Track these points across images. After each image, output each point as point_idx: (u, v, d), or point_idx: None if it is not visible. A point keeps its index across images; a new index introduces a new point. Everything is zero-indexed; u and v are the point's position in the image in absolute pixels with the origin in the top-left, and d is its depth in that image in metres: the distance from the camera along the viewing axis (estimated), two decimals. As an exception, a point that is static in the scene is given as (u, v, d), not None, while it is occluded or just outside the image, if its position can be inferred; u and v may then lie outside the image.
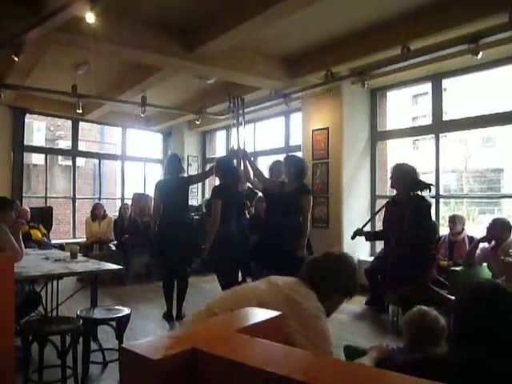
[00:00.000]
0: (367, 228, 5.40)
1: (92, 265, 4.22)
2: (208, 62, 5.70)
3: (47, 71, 6.58)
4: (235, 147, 5.29)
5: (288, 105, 6.94)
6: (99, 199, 9.68)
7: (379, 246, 6.92)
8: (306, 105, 7.26)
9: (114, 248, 7.62)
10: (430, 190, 4.37)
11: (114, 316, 3.58)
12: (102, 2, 3.67)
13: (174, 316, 5.29)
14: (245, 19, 4.74)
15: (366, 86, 5.95)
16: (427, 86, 6.54)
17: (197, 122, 8.27)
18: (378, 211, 5.46)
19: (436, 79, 6.27)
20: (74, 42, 4.89)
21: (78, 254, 4.68)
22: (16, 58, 4.64)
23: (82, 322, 3.38)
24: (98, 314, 3.70)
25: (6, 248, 4.02)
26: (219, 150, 10.56)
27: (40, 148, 10.65)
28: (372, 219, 5.89)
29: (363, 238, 4.98)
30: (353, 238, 4.82)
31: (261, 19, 4.70)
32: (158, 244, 5.50)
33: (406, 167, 4.44)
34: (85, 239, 8.28)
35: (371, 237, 5.35)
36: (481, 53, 4.77)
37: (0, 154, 8.04)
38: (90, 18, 3.69)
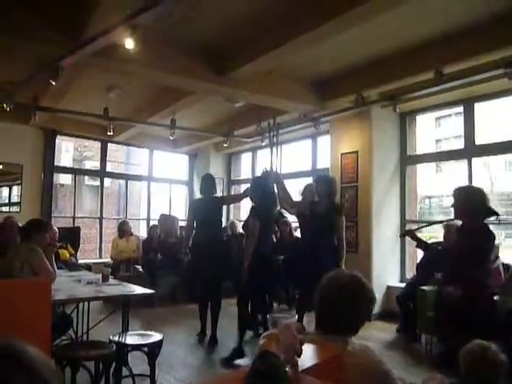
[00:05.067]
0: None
1: (124, 288, 4.20)
2: (239, 86, 5.75)
3: (79, 94, 6.71)
4: (268, 169, 5.28)
5: (317, 128, 6.93)
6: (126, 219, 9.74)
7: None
8: (334, 128, 7.24)
9: (141, 269, 7.62)
10: (497, 217, 3.97)
11: (147, 342, 3.55)
12: (142, 28, 3.72)
13: (208, 339, 5.28)
14: (277, 46, 4.79)
15: (397, 109, 5.91)
16: (451, 109, 6.47)
17: (225, 145, 8.32)
18: (444, 221, 5.19)
19: (468, 103, 6.20)
20: (109, 67, 4.99)
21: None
22: (53, 82, 4.74)
23: (114, 347, 3.35)
24: (130, 339, 3.67)
25: (40, 271, 4.04)
26: (244, 172, 10.59)
27: (69, 169, 10.82)
28: (428, 226, 5.72)
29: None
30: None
31: (292, 46, 4.75)
32: (191, 263, 5.54)
33: (476, 190, 3.95)
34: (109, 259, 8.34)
35: (422, 244, 5.14)
36: (517, 77, 4.70)
37: (31, 175, 8.19)
38: (130, 44, 3.75)
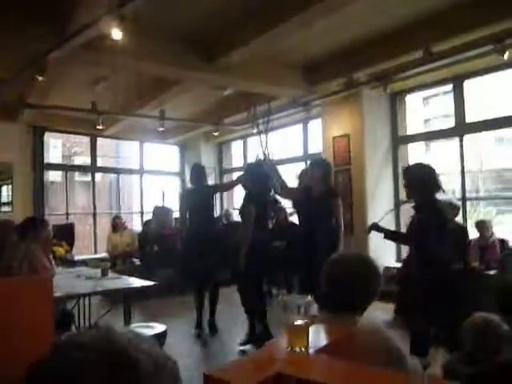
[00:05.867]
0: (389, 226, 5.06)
1: (124, 281, 4.19)
2: (228, 73, 5.70)
3: (66, 89, 6.62)
4: (261, 157, 5.26)
5: (308, 112, 6.91)
6: (119, 213, 9.68)
7: (405, 250, 6.84)
8: (325, 112, 7.23)
9: (137, 262, 7.60)
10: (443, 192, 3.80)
11: (152, 333, 3.54)
12: (129, 18, 3.66)
13: (208, 329, 5.30)
14: (265, 30, 4.75)
15: (388, 90, 5.90)
16: (439, 88, 6.47)
17: (215, 134, 8.27)
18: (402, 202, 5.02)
19: (457, 81, 6.21)
20: (96, 60, 4.93)
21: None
22: (40, 78, 4.66)
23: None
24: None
25: (39, 268, 4.01)
26: (236, 160, 10.56)
27: (59, 165, 10.74)
28: (390, 212, 5.51)
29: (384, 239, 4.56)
30: (368, 232, 4.38)
31: (282, 29, 4.71)
32: (185, 254, 5.53)
33: (425, 166, 3.80)
34: (105, 254, 8.31)
35: (391, 236, 4.93)
36: (507, 52, 4.70)
37: (21, 173, 8.10)
38: (117, 34, 3.69)
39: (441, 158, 9.64)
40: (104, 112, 7.04)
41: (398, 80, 6.05)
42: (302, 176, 5.60)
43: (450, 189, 9.33)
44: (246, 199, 5.00)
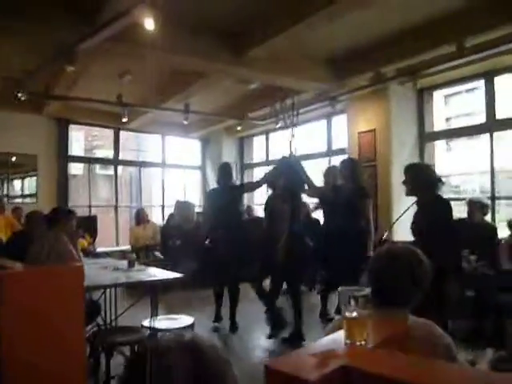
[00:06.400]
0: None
1: (153, 273, 4.18)
2: (255, 67, 5.65)
3: (91, 81, 6.61)
4: (287, 154, 5.20)
5: (334, 107, 6.83)
6: (141, 206, 9.71)
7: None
8: (350, 106, 7.14)
9: (160, 256, 7.61)
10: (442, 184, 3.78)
11: (181, 326, 3.52)
12: (159, 9, 3.63)
13: (228, 326, 5.28)
14: (295, 23, 4.69)
15: (417, 85, 5.80)
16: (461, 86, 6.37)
17: (238, 128, 8.24)
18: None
19: (489, 76, 6.07)
20: (125, 51, 4.91)
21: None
22: (70, 68, 4.66)
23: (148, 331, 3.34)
24: (161, 323, 3.64)
25: (66, 258, 4.02)
26: (257, 155, 10.51)
27: (83, 158, 10.81)
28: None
29: None
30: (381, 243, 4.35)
31: (311, 23, 4.65)
32: (210, 253, 5.50)
33: (422, 163, 4.02)
34: (127, 247, 8.35)
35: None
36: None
37: (46, 166, 8.17)
38: (150, 24, 3.66)
39: (461, 158, 9.48)
40: (129, 104, 7.03)
41: (426, 75, 5.93)
42: (328, 174, 5.55)
43: (473, 188, 9.23)
44: (276, 195, 4.95)
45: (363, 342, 1.24)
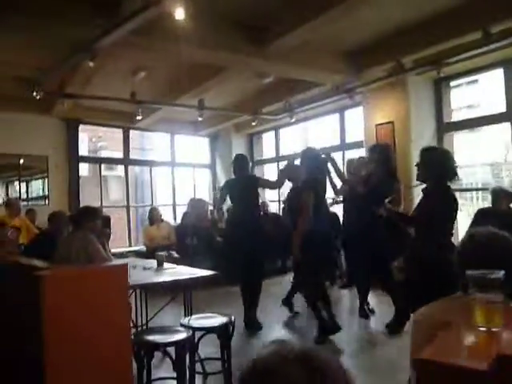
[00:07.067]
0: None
1: (185, 271, 4.09)
2: (275, 59, 5.54)
3: (103, 80, 6.50)
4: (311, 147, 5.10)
5: (352, 99, 6.75)
6: (152, 205, 9.59)
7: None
8: (367, 99, 7.06)
9: (176, 255, 7.50)
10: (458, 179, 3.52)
11: (222, 323, 3.41)
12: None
13: (247, 325, 5.12)
14: (315, 15, 4.61)
15: (440, 74, 5.71)
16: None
17: (253, 123, 8.15)
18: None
19: (508, 65, 5.98)
20: (147, 45, 4.80)
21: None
22: (91, 64, 4.55)
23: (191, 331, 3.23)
24: (197, 322, 3.52)
25: (96, 259, 3.92)
26: (267, 151, 10.41)
27: (93, 158, 10.71)
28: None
29: None
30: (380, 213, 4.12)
31: (330, 15, 4.57)
32: (227, 244, 5.43)
33: (444, 150, 3.64)
34: (141, 247, 8.26)
35: (397, 216, 4.29)
36: None
37: (57, 167, 8.07)
38: (180, 14, 3.56)
39: (472, 149, 9.40)
40: (143, 102, 6.91)
41: (449, 64, 5.82)
42: (349, 167, 5.48)
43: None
44: (306, 185, 4.84)
45: (498, 328, 1.16)
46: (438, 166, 3.35)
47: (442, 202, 3.34)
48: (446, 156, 3.46)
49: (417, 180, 3.55)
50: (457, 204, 3.49)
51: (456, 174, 3.40)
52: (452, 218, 3.46)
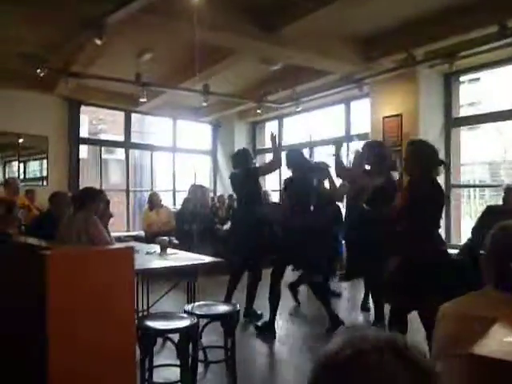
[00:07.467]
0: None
1: (189, 257, 4.01)
2: (285, 45, 5.45)
3: (108, 60, 6.35)
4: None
5: (361, 89, 6.64)
6: (152, 190, 9.46)
7: (454, 236, 6.63)
8: (375, 91, 6.96)
9: (175, 241, 7.42)
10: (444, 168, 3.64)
11: (227, 311, 3.34)
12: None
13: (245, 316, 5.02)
14: (327, 2, 4.50)
15: (453, 68, 5.62)
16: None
17: (258, 111, 8.03)
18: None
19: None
20: (158, 23, 4.67)
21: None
22: (99, 41, 4.43)
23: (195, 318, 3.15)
24: (201, 309, 3.44)
25: (98, 240, 3.83)
26: (269, 141, 10.26)
27: (94, 140, 10.59)
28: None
29: None
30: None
31: (343, 2, 4.47)
32: (231, 236, 5.48)
33: (429, 144, 3.52)
34: (139, 232, 8.18)
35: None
36: None
37: (57, 148, 7.93)
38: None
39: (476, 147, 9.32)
40: (148, 84, 6.78)
41: (463, 58, 5.72)
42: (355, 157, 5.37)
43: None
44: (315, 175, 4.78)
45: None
46: (425, 159, 3.34)
47: (430, 194, 3.30)
48: (432, 149, 3.43)
49: (405, 173, 3.59)
50: (443, 196, 3.50)
51: (443, 163, 3.44)
52: (440, 209, 3.46)
